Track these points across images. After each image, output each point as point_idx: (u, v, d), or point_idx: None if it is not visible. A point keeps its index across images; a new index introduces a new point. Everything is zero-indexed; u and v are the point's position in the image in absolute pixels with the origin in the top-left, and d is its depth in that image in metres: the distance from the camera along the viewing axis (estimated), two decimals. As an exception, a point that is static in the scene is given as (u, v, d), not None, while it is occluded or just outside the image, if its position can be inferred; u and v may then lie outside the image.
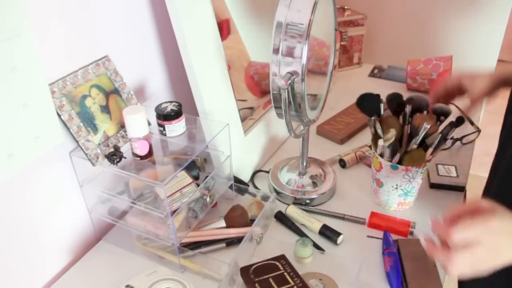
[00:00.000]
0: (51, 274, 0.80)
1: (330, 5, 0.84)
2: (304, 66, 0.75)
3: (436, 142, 0.83)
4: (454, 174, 1.00)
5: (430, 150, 0.83)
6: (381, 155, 0.87)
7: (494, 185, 0.84)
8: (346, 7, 1.49)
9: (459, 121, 0.84)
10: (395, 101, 0.88)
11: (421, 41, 1.55)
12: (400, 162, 0.85)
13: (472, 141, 1.13)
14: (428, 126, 0.81)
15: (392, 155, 0.85)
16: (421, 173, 0.87)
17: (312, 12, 0.74)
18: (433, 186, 0.99)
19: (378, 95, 0.87)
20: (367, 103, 0.87)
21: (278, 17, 0.76)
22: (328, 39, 0.90)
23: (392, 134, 0.81)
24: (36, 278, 0.78)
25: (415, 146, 0.83)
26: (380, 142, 0.84)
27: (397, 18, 1.57)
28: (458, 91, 0.91)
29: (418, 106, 0.87)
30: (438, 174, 1.00)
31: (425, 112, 0.87)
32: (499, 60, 1.48)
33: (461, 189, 0.97)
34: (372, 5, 1.57)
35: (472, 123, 1.17)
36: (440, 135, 0.83)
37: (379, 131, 0.84)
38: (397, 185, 0.88)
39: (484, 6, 1.41)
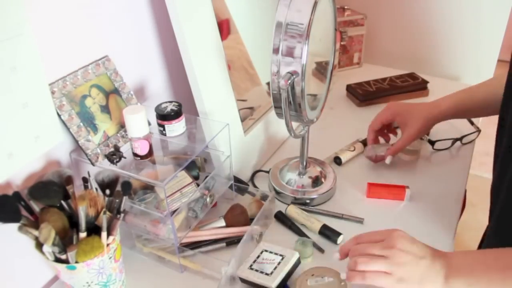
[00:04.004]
0: (51, 274, 0.80)
1: (330, 5, 0.84)
2: (304, 66, 0.75)
3: (105, 222, 0.67)
4: (277, 261, 0.88)
5: (104, 233, 0.68)
6: (58, 260, 0.66)
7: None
8: (346, 7, 1.49)
9: (125, 187, 0.71)
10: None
11: (421, 41, 1.55)
12: None
13: (472, 141, 1.14)
14: (84, 207, 0.66)
15: (61, 253, 0.65)
16: (110, 258, 0.70)
17: (312, 12, 0.74)
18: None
19: (6, 196, 0.64)
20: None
21: (278, 17, 0.76)
22: (328, 39, 0.90)
23: (47, 230, 0.62)
24: (36, 278, 0.78)
25: (84, 235, 0.67)
26: (45, 247, 0.64)
27: (397, 18, 1.57)
28: (391, 125, 1.03)
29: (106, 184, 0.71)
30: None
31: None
32: (499, 60, 1.49)
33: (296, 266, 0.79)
34: (372, 5, 1.57)
35: (472, 123, 1.17)
36: (107, 212, 0.69)
37: (37, 234, 0.64)
38: (87, 282, 0.70)
39: (484, 6, 1.41)
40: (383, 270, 0.61)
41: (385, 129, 1.05)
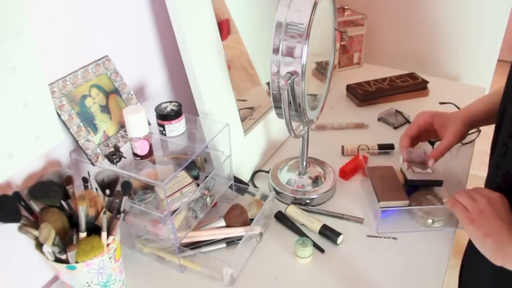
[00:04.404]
0: (51, 274, 0.80)
1: (330, 5, 0.84)
2: (304, 66, 0.75)
3: (105, 222, 0.67)
4: (429, 170, 0.96)
5: (104, 233, 0.68)
6: (58, 260, 0.66)
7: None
8: (346, 7, 1.49)
9: (125, 187, 0.71)
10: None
11: (420, 41, 1.56)
12: None
13: (472, 141, 1.14)
14: (84, 207, 0.66)
15: (61, 253, 0.65)
16: (110, 258, 0.70)
17: (312, 12, 0.74)
18: (411, 184, 0.95)
19: (6, 196, 0.64)
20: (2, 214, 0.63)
21: (278, 17, 0.76)
22: (328, 39, 0.90)
23: (47, 230, 0.62)
24: (36, 278, 0.78)
25: (84, 235, 0.67)
26: (45, 247, 0.64)
27: (397, 18, 1.57)
28: (430, 131, 0.93)
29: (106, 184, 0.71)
30: (413, 171, 0.96)
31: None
32: (499, 60, 1.49)
33: (439, 183, 0.95)
34: (372, 5, 1.57)
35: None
36: (107, 212, 0.69)
37: (37, 234, 0.64)
38: (87, 282, 0.70)
39: (484, 6, 1.41)
40: (465, 205, 0.69)
41: (419, 139, 0.96)
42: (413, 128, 0.94)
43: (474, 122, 0.91)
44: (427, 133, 0.94)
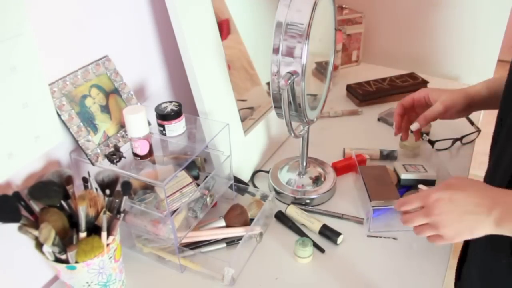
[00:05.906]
0: (51, 274, 0.80)
1: (330, 5, 0.84)
2: (304, 66, 0.75)
3: (105, 222, 0.67)
4: (422, 170, 0.98)
5: (104, 233, 0.68)
6: (58, 260, 0.66)
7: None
8: (344, 6, 1.49)
9: (125, 187, 0.71)
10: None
11: (420, 41, 1.55)
12: None
13: (472, 141, 1.14)
14: (84, 207, 0.66)
15: (61, 253, 0.65)
16: (110, 258, 0.70)
17: (312, 12, 0.74)
18: (404, 183, 0.97)
19: (6, 196, 0.63)
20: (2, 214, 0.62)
21: (278, 17, 0.76)
22: (328, 39, 0.90)
23: (47, 230, 0.62)
24: (36, 278, 0.78)
25: (84, 235, 0.67)
26: (45, 247, 0.64)
27: (396, 17, 1.57)
28: (424, 103, 0.92)
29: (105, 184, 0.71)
30: (406, 170, 0.99)
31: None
32: (499, 60, 1.48)
33: (432, 182, 0.96)
34: (370, 4, 1.57)
35: (472, 123, 1.17)
36: (107, 212, 0.69)
37: (37, 234, 0.63)
38: (87, 282, 0.70)
39: (484, 6, 1.41)
40: (431, 234, 0.66)
41: (413, 111, 0.96)
42: (407, 99, 0.95)
43: (474, 97, 0.89)
44: (422, 108, 0.93)
